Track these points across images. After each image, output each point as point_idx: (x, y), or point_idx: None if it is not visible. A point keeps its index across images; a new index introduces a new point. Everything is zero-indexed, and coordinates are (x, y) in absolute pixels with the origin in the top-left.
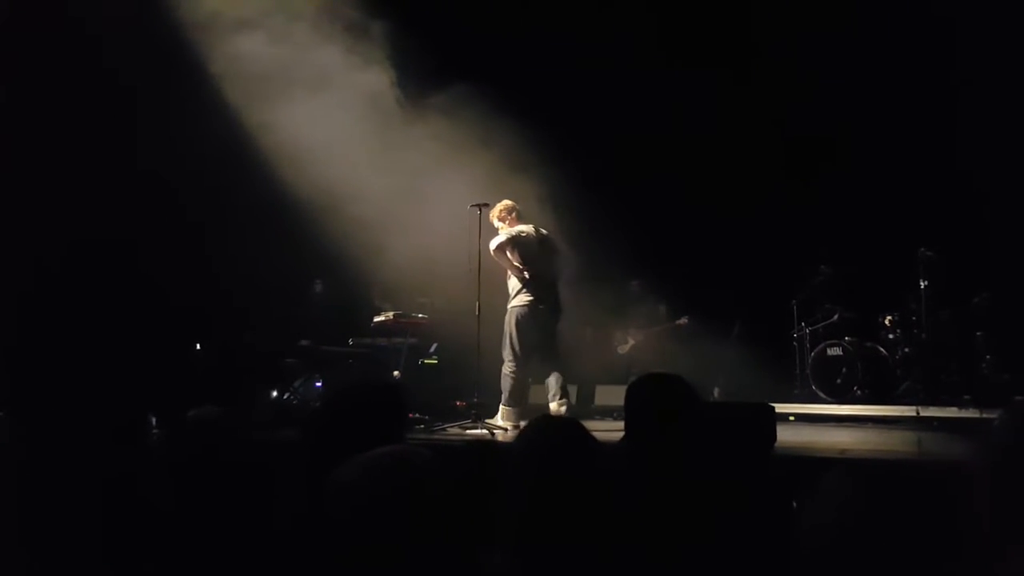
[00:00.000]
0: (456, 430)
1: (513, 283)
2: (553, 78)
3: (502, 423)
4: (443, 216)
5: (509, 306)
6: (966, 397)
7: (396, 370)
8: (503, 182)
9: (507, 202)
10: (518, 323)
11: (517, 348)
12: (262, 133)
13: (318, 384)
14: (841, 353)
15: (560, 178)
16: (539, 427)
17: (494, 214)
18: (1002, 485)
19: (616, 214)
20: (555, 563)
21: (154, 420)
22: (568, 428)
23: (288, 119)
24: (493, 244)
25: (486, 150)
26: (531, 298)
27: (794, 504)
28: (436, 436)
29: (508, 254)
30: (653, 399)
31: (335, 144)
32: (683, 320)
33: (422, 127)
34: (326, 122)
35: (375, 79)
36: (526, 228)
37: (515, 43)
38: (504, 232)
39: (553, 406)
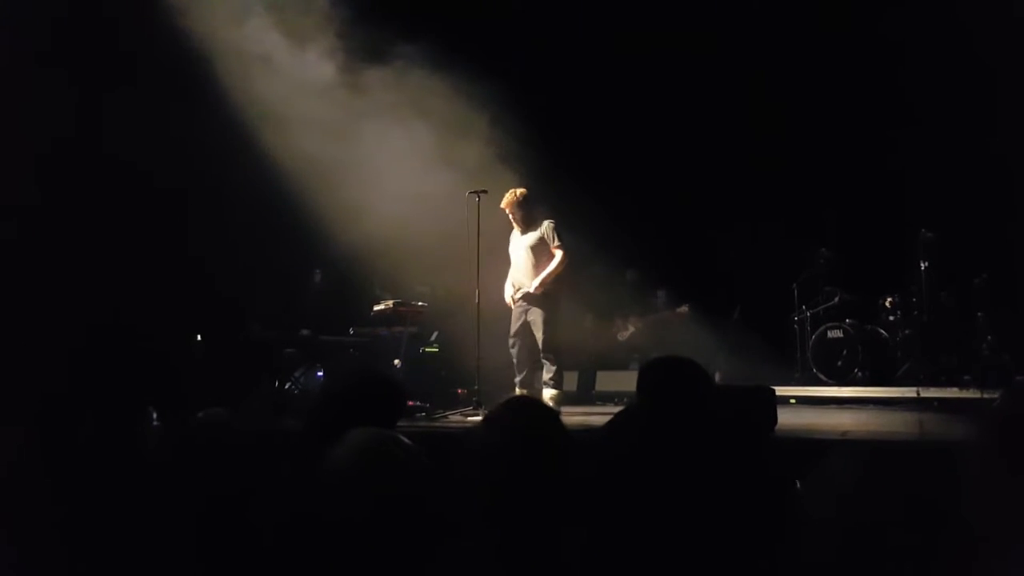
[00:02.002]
0: (458, 418)
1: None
2: (537, 57)
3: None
4: (433, 197)
5: (552, 298)
6: (966, 378)
7: (397, 359)
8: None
9: (524, 189)
10: (560, 314)
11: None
12: (254, 123)
13: (319, 374)
14: (842, 335)
15: (557, 165)
16: (515, 409)
17: (515, 199)
18: (1000, 465)
19: (614, 202)
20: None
21: (154, 413)
22: (540, 408)
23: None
24: (559, 256)
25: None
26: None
27: (797, 486)
28: (437, 424)
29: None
30: (667, 382)
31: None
32: (684, 308)
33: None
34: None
35: (328, 55)
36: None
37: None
38: (551, 224)
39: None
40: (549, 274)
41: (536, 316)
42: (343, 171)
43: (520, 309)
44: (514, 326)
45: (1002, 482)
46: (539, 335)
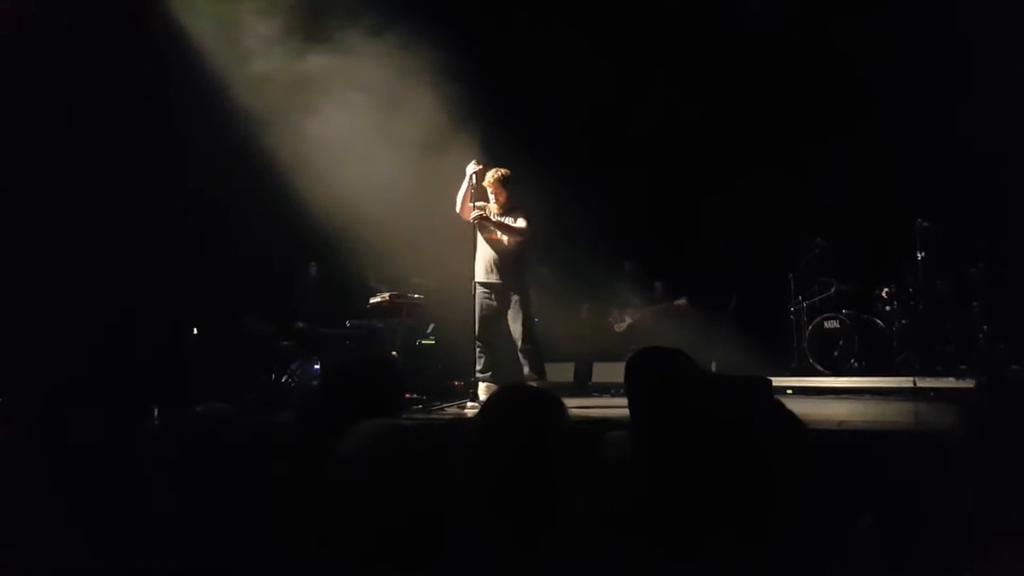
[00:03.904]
0: (454, 410)
1: (521, 260)
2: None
3: None
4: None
5: (523, 287)
6: (963, 367)
7: (393, 351)
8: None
9: (507, 171)
10: (531, 304)
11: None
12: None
13: (316, 367)
14: (838, 326)
15: (556, 158)
16: (515, 397)
17: (497, 177)
18: (978, 456)
19: (607, 192)
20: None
21: (156, 411)
22: (547, 399)
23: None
24: (523, 223)
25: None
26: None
27: None
28: (434, 416)
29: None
30: (654, 372)
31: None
32: (681, 301)
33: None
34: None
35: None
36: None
37: None
38: (524, 211)
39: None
40: (506, 226)
41: (516, 303)
42: (331, 160)
43: (494, 296)
44: (485, 314)
45: (980, 473)
46: (518, 325)
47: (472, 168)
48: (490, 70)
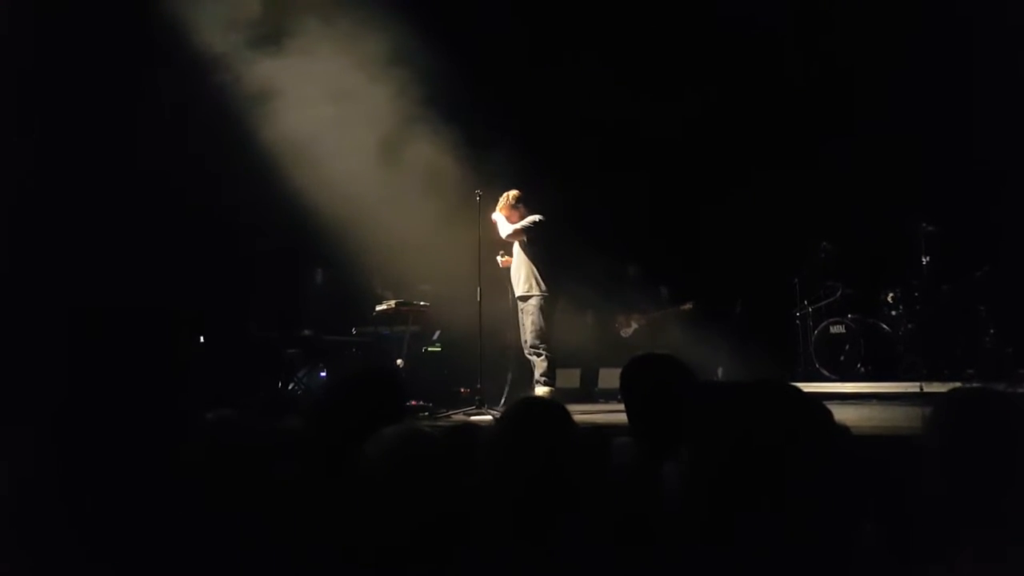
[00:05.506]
0: (460, 417)
1: (529, 271)
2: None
3: None
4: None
5: (532, 295)
6: (969, 371)
7: (399, 358)
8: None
9: (517, 191)
10: (544, 312)
11: (548, 333)
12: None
13: (322, 374)
14: (844, 330)
15: (558, 161)
16: (527, 410)
17: (508, 202)
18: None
19: (612, 196)
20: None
21: (162, 419)
22: (555, 411)
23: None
24: (518, 225)
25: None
26: (547, 288)
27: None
28: (440, 424)
29: (533, 239)
30: (648, 379)
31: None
32: (687, 305)
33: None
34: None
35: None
36: (540, 216)
37: None
38: (534, 216)
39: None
40: (503, 224)
41: (522, 312)
42: (335, 164)
43: (519, 308)
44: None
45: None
46: (523, 331)
47: (501, 261)
48: (491, 73)
